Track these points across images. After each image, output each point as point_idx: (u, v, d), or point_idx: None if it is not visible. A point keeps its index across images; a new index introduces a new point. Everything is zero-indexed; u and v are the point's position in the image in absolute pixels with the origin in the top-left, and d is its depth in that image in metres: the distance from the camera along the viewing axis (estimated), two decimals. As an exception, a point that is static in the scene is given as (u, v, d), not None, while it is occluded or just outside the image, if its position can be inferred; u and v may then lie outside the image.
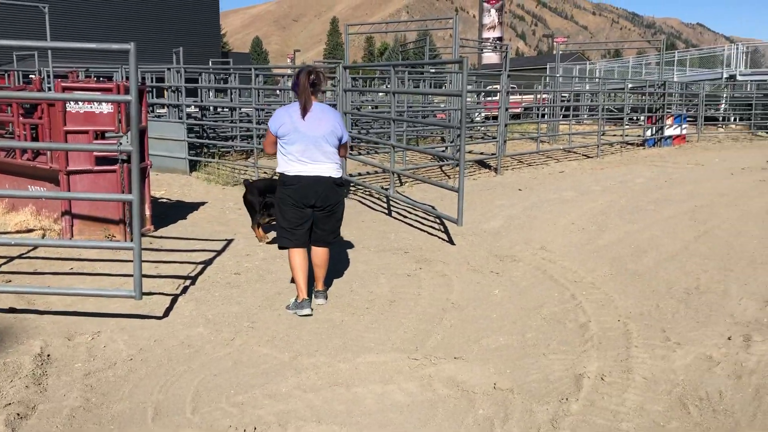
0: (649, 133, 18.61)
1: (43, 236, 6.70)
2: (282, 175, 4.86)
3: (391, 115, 9.35)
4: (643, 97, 21.11)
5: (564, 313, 4.90)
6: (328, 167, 4.83)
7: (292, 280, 5.11)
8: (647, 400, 3.51)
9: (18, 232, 6.86)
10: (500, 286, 5.57)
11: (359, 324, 4.66)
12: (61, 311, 4.76)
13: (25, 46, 4.55)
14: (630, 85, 23.01)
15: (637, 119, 22.48)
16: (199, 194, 9.93)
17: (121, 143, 4.85)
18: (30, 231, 6.87)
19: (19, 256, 6.10)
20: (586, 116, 23.14)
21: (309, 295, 5.00)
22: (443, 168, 13.18)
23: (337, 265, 6.04)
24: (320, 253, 5.05)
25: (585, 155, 16.07)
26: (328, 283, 5.48)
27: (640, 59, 38.61)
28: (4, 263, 5.89)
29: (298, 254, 4.90)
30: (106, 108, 6.51)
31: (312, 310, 4.86)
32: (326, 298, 5.12)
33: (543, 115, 21.42)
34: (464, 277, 5.85)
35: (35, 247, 6.31)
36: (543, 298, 5.24)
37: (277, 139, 4.85)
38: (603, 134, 17.27)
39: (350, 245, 6.86)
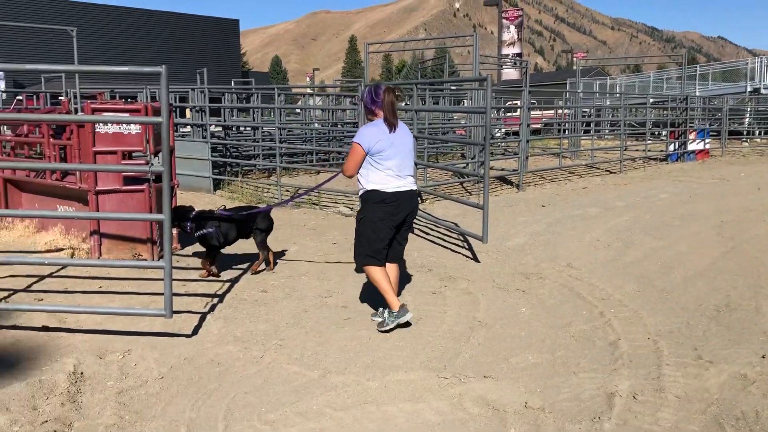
0: (671, 147, 18.48)
1: (72, 255, 6.79)
2: (375, 192, 4.79)
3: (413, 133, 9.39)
4: (665, 112, 21.00)
5: (593, 330, 4.86)
6: (413, 181, 4.95)
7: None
8: (681, 419, 3.47)
9: (48, 251, 6.96)
10: (527, 304, 5.55)
11: (386, 342, 4.66)
12: (92, 329, 4.82)
13: (62, 70, 4.64)
14: (651, 100, 22.91)
15: (659, 134, 22.35)
16: (223, 212, 10.00)
17: (152, 164, 4.93)
18: (59, 250, 6.97)
19: (50, 275, 6.18)
20: (607, 131, 23.04)
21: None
22: (464, 185, 13.18)
23: (361, 284, 6.07)
24: (397, 270, 5.12)
25: (608, 170, 15.98)
26: (353, 301, 5.52)
27: (660, 74, 38.45)
28: (35, 282, 5.98)
29: (382, 269, 4.89)
30: (134, 129, 6.62)
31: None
32: None
33: (563, 131, 21.38)
34: (490, 294, 5.83)
35: (64, 266, 6.40)
36: (571, 316, 5.21)
37: (365, 158, 4.79)
38: (625, 149, 17.18)
39: (375, 263, 6.88)
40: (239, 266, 6.71)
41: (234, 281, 6.20)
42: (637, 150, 19.94)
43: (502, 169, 15.26)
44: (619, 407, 3.59)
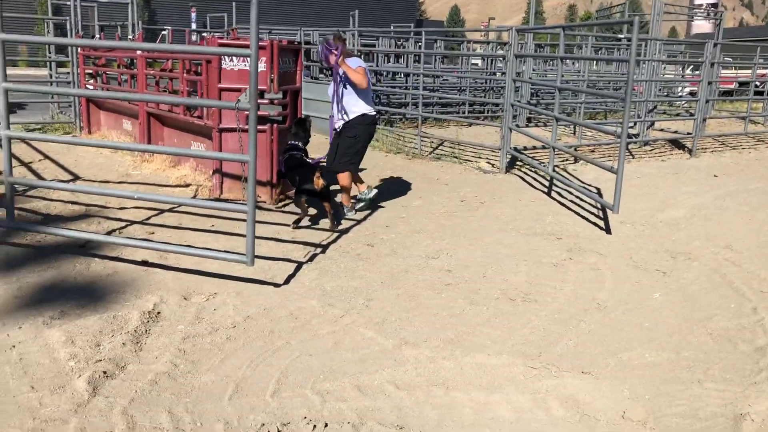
0: None
1: (196, 192, 6.86)
2: (365, 115, 6.18)
3: (555, 83, 8.36)
4: None
5: (738, 330, 3.99)
6: None
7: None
8: (832, 465, 2.65)
9: (177, 186, 7.11)
10: (663, 289, 4.71)
11: (480, 316, 4.12)
12: (188, 269, 4.74)
13: None
14: None
15: None
16: (360, 160, 9.77)
17: (239, 100, 4.69)
18: (187, 185, 7.08)
19: (170, 210, 6.26)
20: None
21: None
22: (629, 147, 11.91)
23: (476, 248, 5.52)
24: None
25: (806, 140, 13.77)
26: (459, 265, 5.02)
27: None
28: (155, 215, 6.07)
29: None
30: (260, 66, 6.44)
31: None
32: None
33: (763, 93, 18.75)
34: (621, 273, 5.04)
35: (154, 201, 6.28)
36: (714, 309, 4.34)
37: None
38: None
39: (498, 226, 6.28)
40: (354, 218, 6.42)
41: (343, 232, 5.91)
42: None
43: (676, 132, 13.64)
44: (748, 436, 2.83)
